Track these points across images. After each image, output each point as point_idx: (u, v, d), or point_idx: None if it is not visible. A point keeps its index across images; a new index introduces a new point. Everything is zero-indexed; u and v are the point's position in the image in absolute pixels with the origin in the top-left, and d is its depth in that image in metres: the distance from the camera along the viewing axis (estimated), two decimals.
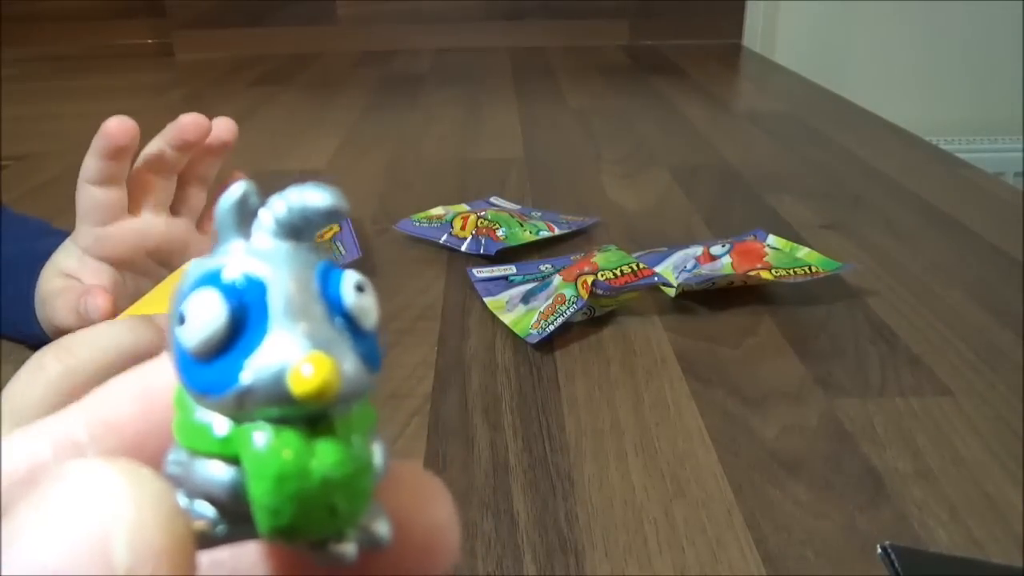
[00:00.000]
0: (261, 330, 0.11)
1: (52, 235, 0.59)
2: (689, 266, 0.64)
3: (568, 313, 0.55)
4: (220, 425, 0.11)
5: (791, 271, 0.60)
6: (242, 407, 0.11)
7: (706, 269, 0.62)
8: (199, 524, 0.12)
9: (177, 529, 0.11)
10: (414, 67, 1.66)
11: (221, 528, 0.12)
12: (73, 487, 0.11)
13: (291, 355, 0.11)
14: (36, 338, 0.54)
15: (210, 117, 0.57)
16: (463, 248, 0.70)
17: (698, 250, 0.65)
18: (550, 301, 0.57)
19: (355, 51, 1.86)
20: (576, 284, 0.57)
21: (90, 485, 0.11)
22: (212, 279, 0.11)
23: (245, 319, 0.11)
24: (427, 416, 0.49)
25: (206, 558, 0.13)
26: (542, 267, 0.65)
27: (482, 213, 0.73)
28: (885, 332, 0.57)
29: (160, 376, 0.13)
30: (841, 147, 1.03)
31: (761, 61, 1.70)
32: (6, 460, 0.12)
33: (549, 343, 0.56)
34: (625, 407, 0.49)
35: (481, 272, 0.65)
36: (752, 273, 0.60)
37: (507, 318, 0.58)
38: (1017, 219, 0.77)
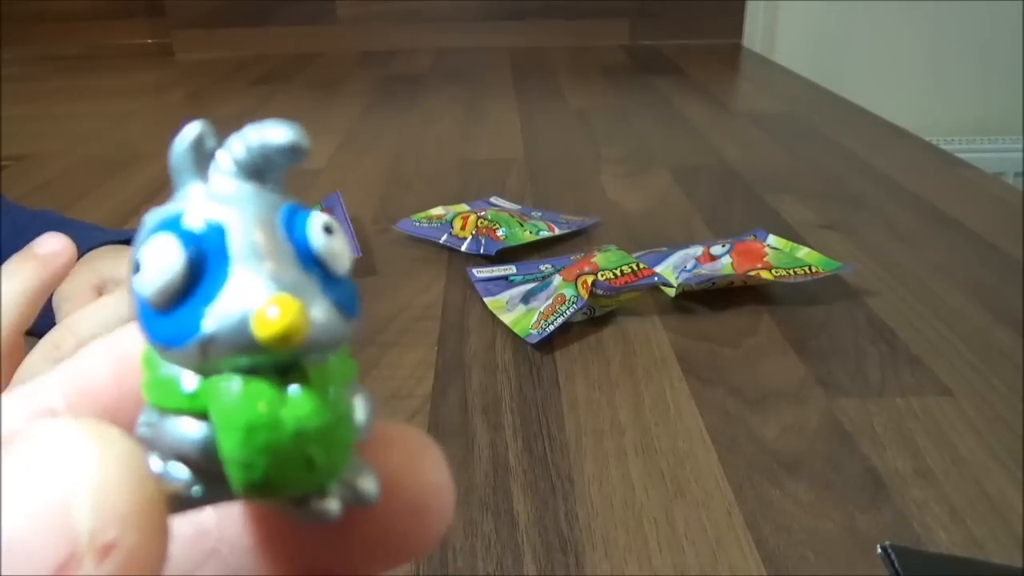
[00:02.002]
0: (223, 275, 0.10)
1: (63, 224, 0.61)
2: (689, 266, 0.64)
3: (568, 313, 0.55)
4: (188, 380, 0.11)
5: (791, 271, 0.60)
6: (207, 357, 0.10)
7: (706, 269, 0.62)
8: (173, 486, 0.11)
9: (145, 491, 0.10)
10: (414, 67, 1.66)
11: (196, 489, 0.11)
12: (36, 447, 0.10)
13: (255, 298, 0.10)
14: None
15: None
16: (463, 248, 0.70)
17: (698, 250, 0.65)
18: (550, 301, 0.57)
19: (355, 51, 1.86)
20: (576, 284, 0.57)
21: (53, 445, 0.10)
22: (168, 224, 0.11)
23: (205, 265, 0.11)
24: (427, 416, 0.49)
25: (190, 528, 0.13)
26: (542, 267, 0.65)
27: (482, 213, 0.73)
28: (885, 332, 0.57)
29: (135, 339, 0.12)
30: (841, 147, 1.03)
31: (761, 61, 1.70)
32: None
33: (549, 343, 0.56)
34: (625, 407, 0.49)
35: (481, 272, 0.65)
36: (752, 273, 0.60)
37: (507, 318, 0.58)
38: (1017, 219, 0.77)
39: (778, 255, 0.63)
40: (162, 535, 0.10)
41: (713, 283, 0.60)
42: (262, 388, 0.10)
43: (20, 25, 1.86)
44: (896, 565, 0.34)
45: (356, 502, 0.11)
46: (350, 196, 0.87)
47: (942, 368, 0.53)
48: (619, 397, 0.50)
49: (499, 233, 0.70)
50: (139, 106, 1.41)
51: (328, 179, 0.94)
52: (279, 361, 0.10)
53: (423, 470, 0.13)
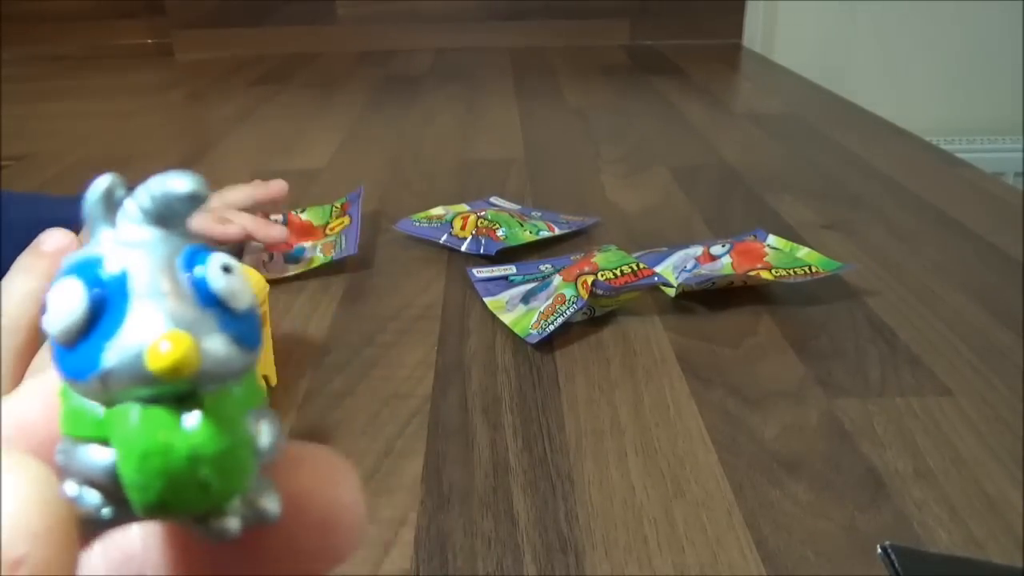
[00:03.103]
0: (124, 314, 0.11)
1: (59, 202, 0.65)
2: (689, 266, 0.64)
3: (568, 313, 0.55)
4: (96, 410, 0.12)
5: (791, 271, 0.60)
6: (108, 389, 0.11)
7: (706, 269, 0.62)
8: (85, 509, 0.12)
9: (56, 512, 0.11)
10: (414, 67, 1.66)
11: (106, 511, 0.12)
12: None
13: (149, 334, 0.11)
14: None
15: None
16: (463, 248, 0.70)
17: (698, 250, 0.65)
18: (550, 301, 0.57)
19: (355, 51, 1.86)
20: (576, 284, 0.57)
21: None
22: (75, 269, 0.12)
23: (108, 305, 0.11)
24: (427, 416, 0.49)
25: (118, 553, 0.14)
26: (542, 267, 0.65)
27: (482, 213, 0.73)
28: (885, 332, 0.57)
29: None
30: (841, 147, 1.03)
31: (761, 61, 1.70)
32: None
33: (549, 343, 0.56)
34: (625, 407, 0.49)
35: (481, 272, 0.65)
36: (752, 273, 0.60)
37: (507, 318, 0.58)
38: (1017, 219, 0.77)
39: (778, 255, 0.63)
40: (70, 551, 0.11)
41: (713, 283, 0.60)
42: (158, 416, 0.11)
43: (20, 25, 1.86)
44: (896, 565, 0.34)
45: (258, 520, 0.12)
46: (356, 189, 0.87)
47: (942, 368, 0.53)
48: (619, 397, 0.50)
49: (499, 233, 0.70)
50: (139, 106, 1.41)
51: (328, 179, 0.94)
52: (177, 391, 0.11)
53: (333, 489, 0.13)
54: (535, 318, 0.57)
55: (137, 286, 0.12)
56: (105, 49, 1.89)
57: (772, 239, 0.68)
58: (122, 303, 0.11)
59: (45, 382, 0.13)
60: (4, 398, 0.14)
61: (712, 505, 0.41)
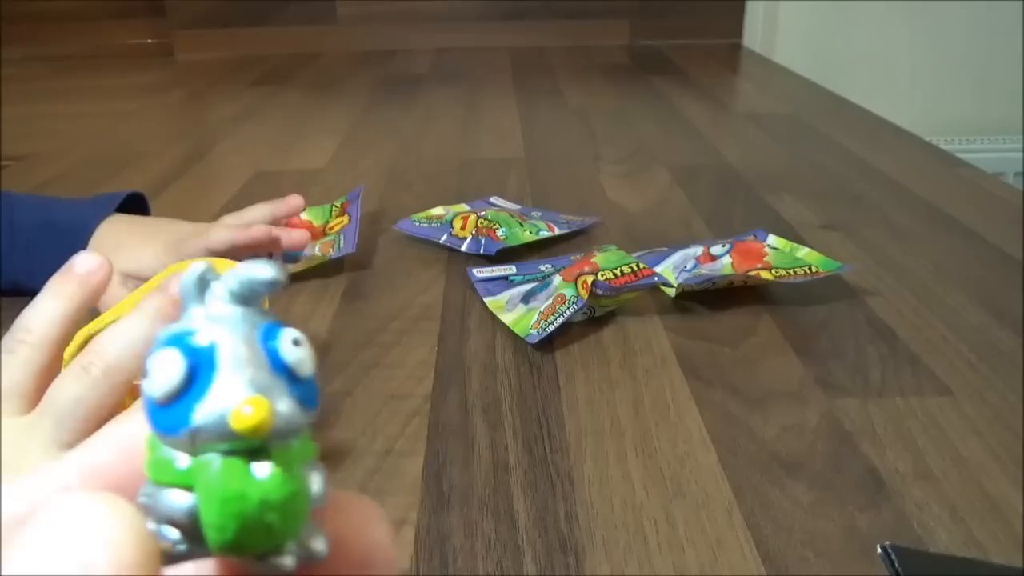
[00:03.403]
0: (212, 379, 0.14)
1: (58, 202, 0.66)
2: (689, 266, 0.64)
3: (568, 313, 0.55)
4: (181, 460, 0.14)
5: (791, 271, 0.60)
6: (195, 443, 0.13)
7: (706, 269, 0.62)
8: (164, 544, 0.14)
9: (146, 546, 0.13)
10: (414, 67, 1.66)
11: (182, 547, 0.14)
12: (61, 513, 0.13)
13: (234, 398, 0.13)
14: None
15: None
16: (463, 248, 0.70)
17: (698, 250, 0.65)
18: (550, 301, 0.57)
19: (355, 51, 1.86)
20: (576, 284, 0.57)
21: (75, 511, 0.13)
22: (173, 340, 0.14)
23: (199, 371, 0.14)
24: (427, 416, 0.49)
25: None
26: (542, 267, 0.65)
27: (482, 213, 0.73)
28: (885, 332, 0.57)
29: (136, 427, 0.15)
30: (841, 147, 1.03)
31: (761, 61, 1.71)
32: (6, 504, 0.15)
33: (549, 343, 0.56)
34: (625, 407, 0.49)
35: (481, 272, 0.65)
36: (752, 273, 0.60)
37: (507, 318, 0.58)
38: (1017, 219, 0.78)
39: (778, 255, 0.63)
40: None
41: (713, 283, 0.60)
42: (236, 467, 0.13)
43: (20, 25, 1.86)
44: (896, 565, 0.34)
45: (308, 559, 0.14)
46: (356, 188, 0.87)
47: (942, 368, 0.53)
48: (619, 397, 0.50)
49: (499, 233, 0.70)
50: (139, 106, 1.41)
51: (328, 179, 0.94)
52: (251, 445, 0.13)
53: (369, 531, 0.16)
54: (535, 318, 0.57)
55: (223, 356, 0.14)
56: (105, 49, 1.89)
57: (772, 239, 0.68)
58: (210, 370, 0.14)
59: (118, 432, 0.16)
60: (81, 446, 0.16)
61: (712, 505, 0.41)
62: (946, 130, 1.74)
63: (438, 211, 0.77)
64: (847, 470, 0.43)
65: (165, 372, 0.14)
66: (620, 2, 1.86)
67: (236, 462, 0.13)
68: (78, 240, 0.60)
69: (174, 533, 0.14)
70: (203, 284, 0.15)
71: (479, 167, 0.97)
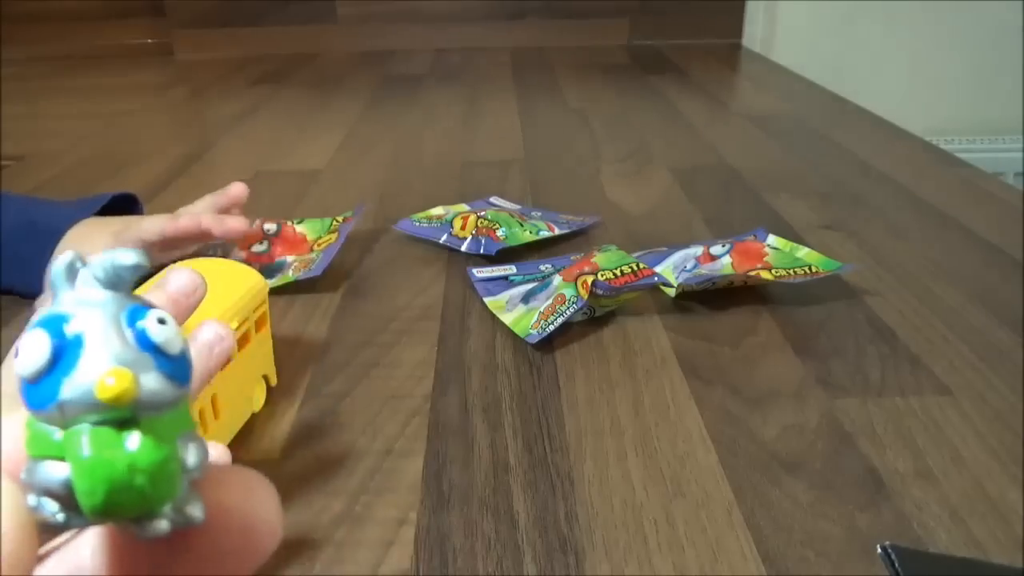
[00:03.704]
0: (79, 357, 0.14)
1: (42, 204, 0.68)
2: (689, 266, 0.64)
3: (568, 313, 0.55)
4: (56, 434, 0.15)
5: (791, 271, 0.60)
6: (65, 416, 0.14)
7: (706, 269, 0.62)
8: (43, 515, 0.15)
9: (19, 516, 0.15)
10: (414, 67, 1.66)
11: (60, 517, 0.15)
12: None
13: (98, 370, 0.14)
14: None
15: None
16: (463, 248, 0.70)
17: (698, 250, 0.65)
18: (550, 301, 0.57)
19: (355, 51, 1.86)
20: (576, 284, 0.57)
21: None
22: (43, 323, 0.15)
23: (67, 350, 0.14)
24: (427, 416, 0.49)
25: (71, 568, 0.17)
26: (542, 267, 0.65)
27: (482, 213, 0.73)
28: (885, 332, 0.57)
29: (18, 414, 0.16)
30: (841, 147, 1.03)
31: (761, 61, 1.70)
32: None
33: (549, 343, 0.56)
34: (625, 407, 0.49)
35: (481, 272, 0.65)
36: (752, 273, 0.60)
37: (507, 318, 0.58)
38: (1017, 219, 0.78)
39: (778, 255, 0.63)
40: (31, 549, 0.15)
41: (713, 283, 0.60)
42: (104, 434, 0.14)
43: (20, 25, 1.86)
44: (896, 565, 0.34)
45: (185, 523, 0.15)
46: (350, 196, 0.87)
47: (942, 368, 0.53)
48: (619, 397, 0.50)
49: (499, 233, 0.70)
50: (139, 106, 1.41)
51: (328, 179, 0.94)
52: (119, 416, 0.14)
53: (252, 501, 0.16)
54: (535, 318, 0.57)
55: (89, 335, 0.15)
56: (105, 49, 1.89)
57: (772, 239, 0.68)
58: (77, 348, 0.14)
59: (6, 422, 0.17)
60: None
61: (712, 505, 0.41)
62: (946, 130, 1.74)
63: (438, 211, 0.77)
64: (847, 470, 0.43)
65: (32, 352, 0.14)
66: (620, 2, 1.86)
67: (104, 430, 0.14)
68: (52, 242, 0.61)
69: (52, 505, 0.15)
70: (72, 271, 0.16)
71: (479, 167, 0.97)
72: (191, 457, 0.15)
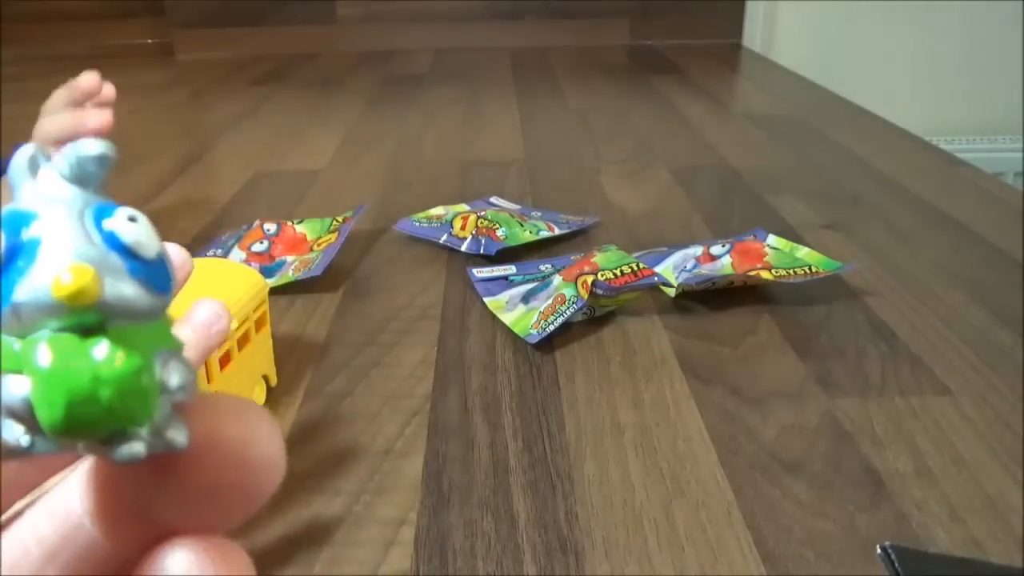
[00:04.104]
0: (36, 256, 0.13)
1: None
2: (689, 266, 0.64)
3: (568, 313, 0.55)
4: (16, 344, 0.13)
5: (791, 271, 0.60)
6: (21, 321, 0.13)
7: (706, 269, 0.62)
8: (6, 440, 0.13)
9: None
10: (414, 67, 1.66)
11: (25, 439, 0.13)
12: None
13: (56, 268, 0.12)
14: None
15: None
16: (463, 248, 0.70)
17: (698, 250, 0.65)
18: (550, 301, 0.57)
19: (355, 51, 1.86)
20: (576, 284, 0.57)
21: None
22: None
23: (23, 249, 0.13)
24: (427, 416, 0.49)
25: (61, 505, 0.15)
26: (542, 267, 0.65)
27: (482, 213, 0.73)
28: (885, 332, 0.57)
29: None
30: (841, 147, 1.03)
31: (761, 61, 1.71)
32: None
33: (549, 343, 0.56)
34: (625, 407, 0.49)
35: (481, 272, 0.65)
36: (752, 273, 0.60)
37: (507, 318, 0.58)
38: (1017, 219, 0.78)
39: (778, 255, 0.63)
40: None
41: (713, 283, 0.60)
42: (65, 341, 0.13)
43: (20, 25, 1.86)
44: (896, 565, 0.34)
45: (165, 448, 0.13)
46: (350, 196, 0.87)
47: (942, 368, 0.53)
48: (619, 397, 0.50)
49: (499, 233, 0.70)
50: (139, 106, 1.41)
51: (328, 179, 0.94)
52: (85, 324, 0.13)
53: (250, 430, 0.14)
54: (535, 318, 0.57)
55: (48, 232, 0.13)
56: (105, 49, 1.89)
57: (772, 239, 0.68)
58: (35, 248, 0.13)
59: None
60: None
61: (712, 505, 0.41)
62: (946, 130, 1.74)
63: (438, 211, 0.77)
64: (847, 470, 0.43)
65: None
66: (620, 2, 1.86)
67: (66, 336, 0.13)
68: None
69: (16, 427, 0.13)
70: (35, 166, 0.14)
71: (479, 167, 0.97)
72: (173, 376, 0.14)
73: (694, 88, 1.41)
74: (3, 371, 0.13)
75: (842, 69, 1.72)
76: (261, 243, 0.68)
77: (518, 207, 0.79)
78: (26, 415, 0.13)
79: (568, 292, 0.56)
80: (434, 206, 0.78)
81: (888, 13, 1.73)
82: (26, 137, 1.18)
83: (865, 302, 0.61)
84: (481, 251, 0.69)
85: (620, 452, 0.45)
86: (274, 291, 0.62)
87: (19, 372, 0.13)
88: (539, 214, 0.77)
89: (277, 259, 0.67)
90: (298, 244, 0.69)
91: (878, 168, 0.94)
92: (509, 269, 0.65)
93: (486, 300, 0.61)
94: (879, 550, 0.36)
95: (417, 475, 0.44)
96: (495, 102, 1.33)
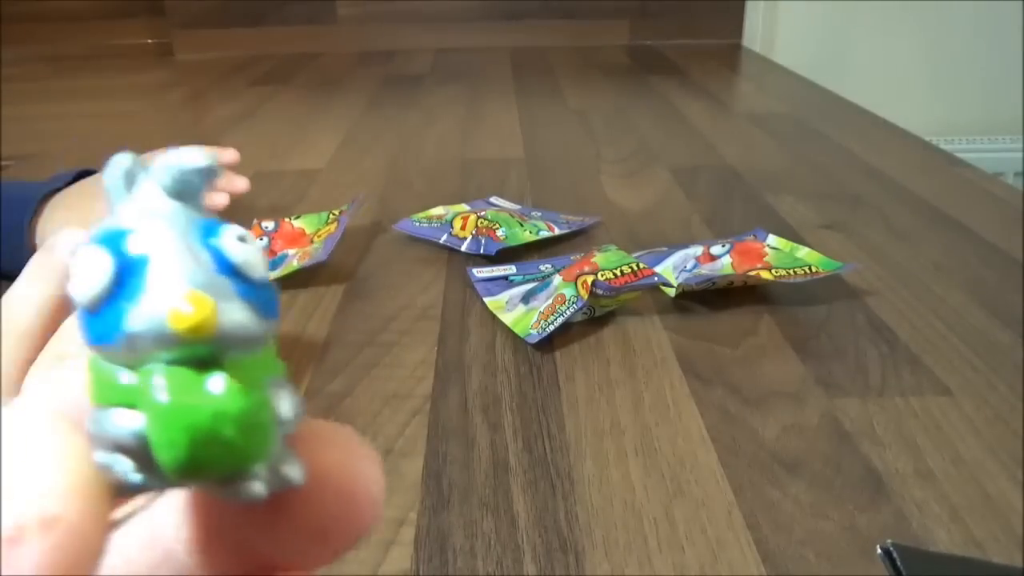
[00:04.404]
0: (145, 281, 0.12)
1: (10, 183, 0.71)
2: (689, 266, 0.64)
3: (568, 313, 0.55)
4: (123, 375, 0.12)
5: (791, 271, 0.60)
6: (134, 352, 0.12)
7: (706, 269, 0.62)
8: (115, 475, 0.12)
9: (86, 474, 0.12)
10: (414, 67, 1.66)
11: (135, 476, 0.12)
12: (2, 430, 0.12)
13: (171, 296, 0.12)
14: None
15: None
16: (463, 248, 0.70)
17: (698, 250, 0.65)
18: (550, 301, 0.57)
19: (355, 51, 1.86)
20: (576, 284, 0.57)
21: (9, 431, 0.12)
22: (100, 239, 0.12)
23: (131, 272, 0.12)
24: (427, 416, 0.49)
25: (146, 530, 0.14)
26: (542, 267, 0.65)
27: (482, 213, 0.73)
28: (885, 332, 0.57)
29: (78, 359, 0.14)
30: (841, 147, 1.03)
31: (761, 61, 1.70)
32: None
33: (549, 343, 0.56)
34: (625, 407, 0.49)
35: (481, 272, 0.65)
36: (752, 273, 0.60)
37: (507, 318, 0.58)
38: (1017, 219, 0.77)
39: (778, 255, 0.63)
40: (101, 514, 0.12)
41: (713, 283, 0.60)
42: (184, 375, 0.12)
43: (20, 25, 1.86)
44: (897, 565, 0.34)
45: (281, 486, 0.13)
46: (350, 196, 0.87)
47: (942, 368, 0.53)
48: (619, 397, 0.50)
49: (499, 233, 0.70)
50: (139, 106, 1.41)
51: (328, 179, 0.94)
52: (199, 355, 0.12)
53: (354, 462, 0.14)
54: (535, 318, 0.57)
55: (156, 253, 0.12)
56: (105, 49, 1.89)
57: (772, 239, 0.68)
58: (143, 270, 0.12)
59: (59, 372, 0.14)
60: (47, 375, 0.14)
61: (712, 505, 0.41)
62: (946, 130, 1.74)
63: (438, 211, 0.77)
64: (847, 470, 0.43)
65: (89, 273, 0.12)
66: (620, 2, 1.86)
67: (181, 370, 0.12)
68: (27, 210, 0.63)
69: (126, 462, 0.12)
70: (131, 179, 0.13)
71: (479, 167, 0.97)
72: (284, 406, 0.13)
73: (694, 88, 1.41)
74: (110, 404, 0.12)
75: (842, 69, 1.72)
76: (260, 239, 0.68)
77: (518, 207, 0.79)
78: (136, 451, 0.12)
79: (568, 292, 0.56)
80: (434, 206, 0.78)
81: (888, 13, 1.73)
82: (26, 137, 1.18)
83: (865, 302, 0.61)
84: (481, 251, 0.69)
85: (620, 452, 0.45)
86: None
87: (127, 406, 0.12)
88: (539, 214, 0.77)
89: (279, 253, 0.68)
90: (297, 238, 0.70)
91: (878, 168, 0.94)
92: (509, 269, 0.65)
93: (486, 300, 0.61)
94: (879, 550, 0.36)
95: (417, 475, 0.44)
96: (495, 102, 1.33)
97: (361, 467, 0.14)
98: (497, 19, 1.87)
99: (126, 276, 0.12)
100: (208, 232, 0.13)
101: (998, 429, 0.47)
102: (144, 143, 1.17)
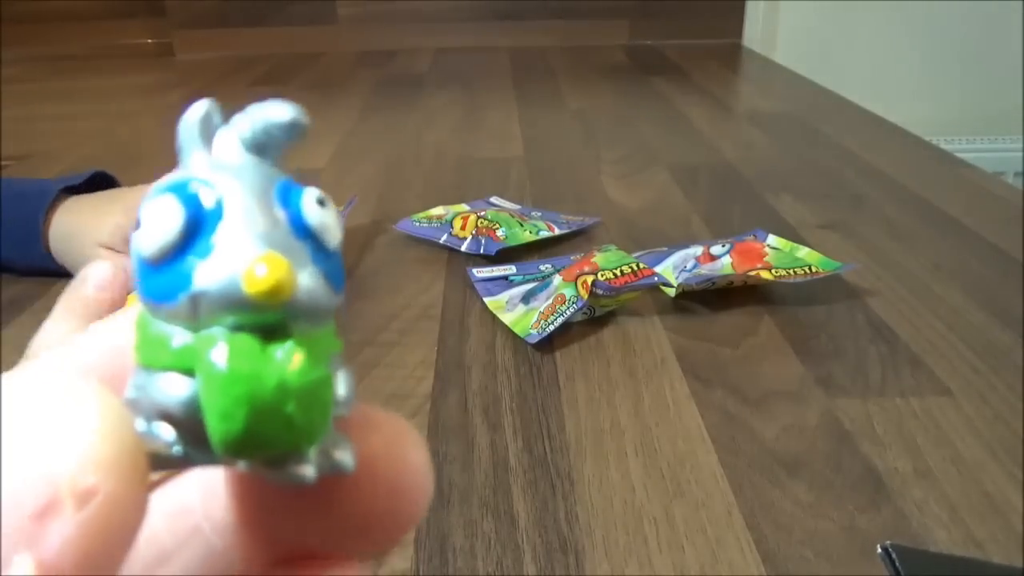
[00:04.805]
0: (217, 236, 0.11)
1: (25, 180, 0.74)
2: (689, 266, 0.64)
3: (568, 313, 0.55)
4: (178, 337, 0.11)
5: (791, 271, 0.60)
6: (197, 313, 0.11)
7: (706, 269, 0.62)
8: (156, 444, 0.11)
9: (126, 443, 0.10)
10: (414, 67, 1.66)
11: (178, 449, 0.11)
12: (26, 398, 0.10)
13: (245, 256, 0.11)
14: (36, 261, 0.65)
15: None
16: (463, 248, 0.70)
17: (698, 250, 0.65)
18: (550, 301, 0.57)
19: (355, 51, 1.86)
20: (576, 284, 0.57)
21: (41, 397, 0.10)
22: (171, 187, 0.11)
23: (202, 227, 0.11)
24: (427, 416, 0.49)
25: (174, 505, 0.13)
26: (542, 267, 0.65)
27: (482, 213, 0.73)
28: (885, 332, 0.57)
29: (127, 318, 0.13)
30: (841, 147, 1.03)
31: (761, 61, 1.70)
32: None
33: (549, 343, 0.56)
34: (625, 407, 0.49)
35: (481, 272, 0.65)
36: (752, 273, 0.60)
37: (507, 318, 0.58)
38: (1017, 219, 0.77)
39: (778, 255, 0.63)
40: (141, 486, 0.11)
41: (713, 283, 0.60)
42: (248, 341, 0.11)
43: (20, 25, 1.86)
44: (896, 565, 0.34)
45: (332, 471, 0.12)
46: (351, 196, 0.87)
47: (942, 368, 0.53)
48: (619, 397, 0.50)
49: (499, 233, 0.70)
50: (139, 106, 1.41)
51: (328, 179, 0.94)
52: (266, 322, 0.11)
53: (404, 452, 0.13)
54: (535, 318, 0.57)
55: (231, 210, 0.11)
56: (105, 49, 1.89)
57: (772, 239, 0.68)
58: (215, 226, 0.11)
59: (105, 328, 0.13)
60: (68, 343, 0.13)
61: (712, 505, 0.41)
62: (946, 130, 1.74)
63: (438, 211, 0.77)
64: (847, 470, 0.43)
65: (159, 223, 0.11)
66: (620, 2, 1.86)
67: (246, 336, 0.11)
68: (43, 203, 0.64)
69: (169, 432, 0.11)
70: (208, 128, 0.12)
71: (479, 167, 0.97)
72: (341, 387, 0.12)
73: (694, 88, 1.41)
74: (158, 368, 0.11)
75: (842, 69, 1.72)
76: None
77: (518, 207, 0.79)
78: (182, 420, 0.11)
79: (568, 292, 0.56)
80: (434, 206, 0.78)
81: (888, 13, 1.73)
82: (26, 137, 1.18)
83: (865, 302, 0.61)
84: (481, 251, 0.69)
85: (620, 452, 0.45)
86: None
87: (178, 370, 0.11)
88: (539, 214, 0.77)
89: None
90: None
91: (878, 168, 0.94)
92: (509, 269, 0.65)
93: (486, 300, 0.61)
94: (879, 550, 0.36)
95: None
96: (495, 102, 1.33)
97: (412, 457, 0.13)
98: (497, 19, 1.87)
99: (196, 230, 0.11)
100: (286, 192, 0.12)
101: (998, 429, 0.47)
102: (144, 143, 1.17)
